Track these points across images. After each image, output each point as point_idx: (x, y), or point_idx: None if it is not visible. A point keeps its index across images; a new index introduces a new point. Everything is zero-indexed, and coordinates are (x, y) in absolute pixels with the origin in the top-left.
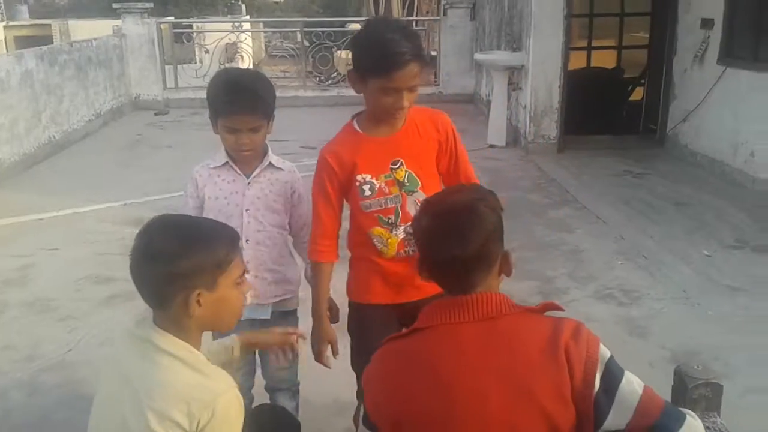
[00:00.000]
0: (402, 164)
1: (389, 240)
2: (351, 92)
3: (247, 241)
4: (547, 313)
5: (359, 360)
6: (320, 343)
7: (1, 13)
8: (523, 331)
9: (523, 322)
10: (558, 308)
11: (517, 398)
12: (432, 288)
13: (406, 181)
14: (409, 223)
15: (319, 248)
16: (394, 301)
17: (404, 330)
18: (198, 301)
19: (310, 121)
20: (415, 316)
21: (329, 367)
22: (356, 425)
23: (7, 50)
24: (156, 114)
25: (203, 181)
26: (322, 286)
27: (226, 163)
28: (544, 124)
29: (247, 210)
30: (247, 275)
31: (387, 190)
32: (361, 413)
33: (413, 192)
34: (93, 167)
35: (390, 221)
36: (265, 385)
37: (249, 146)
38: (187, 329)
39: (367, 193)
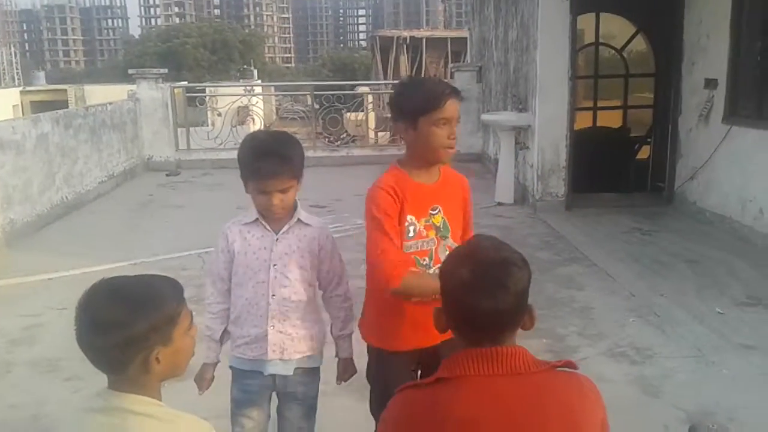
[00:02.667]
0: (440, 211)
1: None
2: (359, 152)
3: (273, 296)
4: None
5: (381, 408)
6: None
7: (19, 79)
8: (560, 391)
9: (555, 382)
10: (575, 367)
11: None
12: None
13: (441, 226)
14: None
15: (393, 270)
16: (420, 345)
17: (423, 378)
18: (157, 359)
19: (319, 181)
20: (434, 357)
21: None
22: None
23: (23, 115)
24: (168, 175)
25: (233, 236)
26: (427, 279)
27: (257, 219)
28: (551, 182)
29: (274, 265)
30: (268, 329)
31: (425, 233)
32: None
33: (446, 238)
34: (104, 227)
35: (425, 263)
36: None
37: (279, 206)
38: (147, 385)
39: (411, 234)
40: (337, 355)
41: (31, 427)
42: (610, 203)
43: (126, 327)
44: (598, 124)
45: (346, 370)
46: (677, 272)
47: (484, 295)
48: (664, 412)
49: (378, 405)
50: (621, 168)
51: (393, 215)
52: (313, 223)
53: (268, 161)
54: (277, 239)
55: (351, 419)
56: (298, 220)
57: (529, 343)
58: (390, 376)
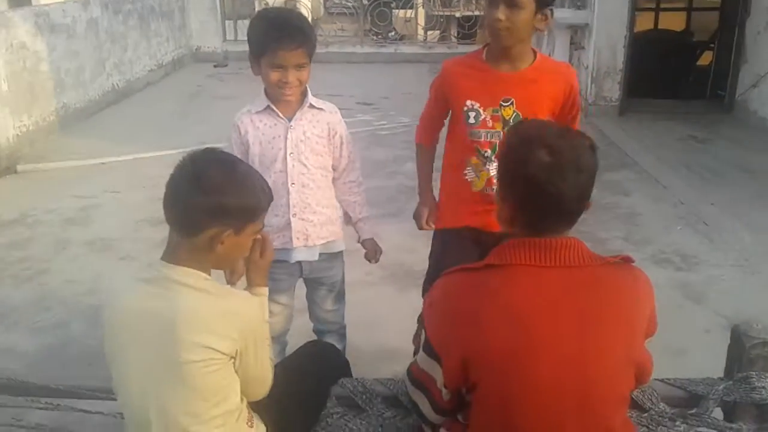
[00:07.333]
0: (512, 103)
1: (482, 173)
2: (408, 49)
3: (292, 184)
4: None
5: (431, 283)
6: (422, 208)
7: None
8: (612, 283)
9: (606, 275)
10: (632, 261)
11: (599, 346)
12: None
13: (512, 120)
14: None
15: (420, 131)
16: (480, 225)
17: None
18: (223, 240)
19: (366, 78)
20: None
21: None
22: (416, 347)
23: None
24: (215, 66)
25: (245, 127)
26: (423, 167)
27: (268, 107)
28: (606, 85)
29: (290, 153)
30: (291, 218)
31: (490, 124)
32: (422, 337)
33: None
34: (154, 116)
35: (486, 155)
36: (313, 327)
37: (294, 84)
38: (203, 262)
39: (471, 120)
40: (359, 240)
41: (88, 300)
42: (666, 110)
43: (222, 195)
44: (660, 26)
45: (373, 249)
46: (731, 181)
47: (565, 176)
48: (707, 317)
49: (429, 280)
50: (680, 74)
51: (438, 92)
52: (325, 108)
53: (287, 32)
54: (291, 126)
55: (393, 307)
56: (310, 104)
57: None
58: (446, 250)
